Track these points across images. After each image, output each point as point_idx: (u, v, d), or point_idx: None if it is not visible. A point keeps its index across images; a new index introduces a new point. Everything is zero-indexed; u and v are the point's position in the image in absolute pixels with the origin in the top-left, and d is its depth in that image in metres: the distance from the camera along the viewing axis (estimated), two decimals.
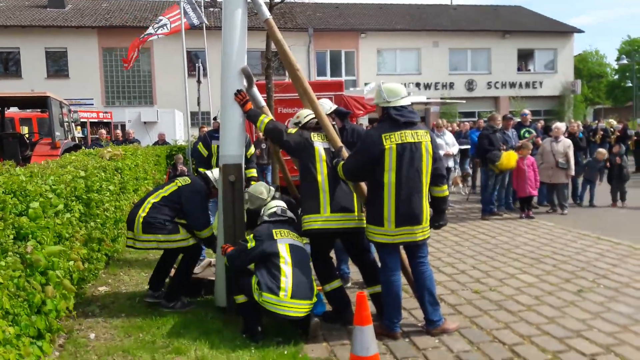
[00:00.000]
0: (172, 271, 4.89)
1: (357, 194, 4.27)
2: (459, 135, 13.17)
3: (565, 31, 30.64)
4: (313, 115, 4.49)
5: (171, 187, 4.76)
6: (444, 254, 6.58)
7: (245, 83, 4.63)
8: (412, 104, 4.21)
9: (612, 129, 17.05)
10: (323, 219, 4.13)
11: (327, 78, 26.32)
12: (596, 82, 47.89)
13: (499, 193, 9.43)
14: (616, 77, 50.16)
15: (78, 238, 4.15)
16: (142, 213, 4.53)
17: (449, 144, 10.45)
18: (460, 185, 12.37)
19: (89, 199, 4.72)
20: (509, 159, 8.78)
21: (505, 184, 9.48)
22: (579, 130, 11.55)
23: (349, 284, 5.30)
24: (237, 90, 4.50)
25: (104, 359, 3.65)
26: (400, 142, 3.85)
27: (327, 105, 4.89)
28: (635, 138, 16.70)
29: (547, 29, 30.32)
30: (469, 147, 12.84)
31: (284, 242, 3.99)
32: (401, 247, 4.10)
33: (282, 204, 4.53)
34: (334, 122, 4.74)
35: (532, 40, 29.88)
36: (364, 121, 16.93)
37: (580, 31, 30.74)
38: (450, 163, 10.78)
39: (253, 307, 3.89)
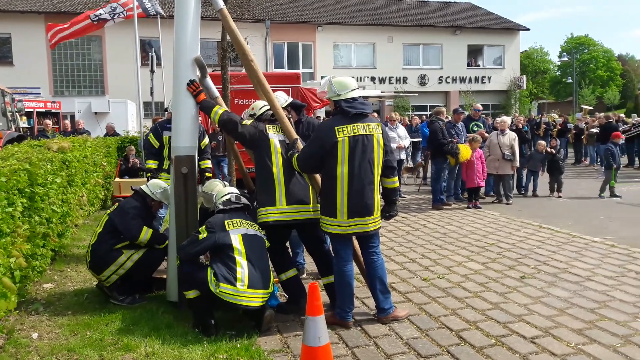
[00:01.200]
0: None
1: (312, 186, 4.32)
2: (410, 129, 13.50)
3: (512, 28, 31.77)
4: (268, 107, 4.48)
5: (103, 220, 4.79)
6: (396, 243, 6.75)
7: (198, 73, 4.56)
8: (367, 97, 4.30)
9: (554, 123, 17.90)
10: (279, 211, 4.16)
11: (285, 70, 26.20)
12: (540, 77, 50.05)
13: (448, 184, 9.75)
14: (558, 73, 52.58)
15: (20, 233, 3.98)
16: (88, 259, 4.68)
17: (402, 137, 10.72)
18: (407, 175, 12.82)
19: (33, 192, 4.54)
20: (465, 151, 9.14)
21: (455, 175, 9.81)
22: (524, 123, 12.04)
23: (304, 275, 5.35)
24: (190, 81, 4.43)
25: None
26: (352, 134, 3.92)
27: (282, 98, 4.89)
28: (575, 131, 17.58)
29: (496, 26, 31.36)
30: (420, 140, 13.22)
31: (236, 232, 3.95)
32: (354, 237, 4.18)
33: (236, 190, 4.50)
34: (289, 115, 4.75)
35: (481, 36, 30.84)
36: (321, 114, 17.00)
37: (526, 29, 32.01)
38: (403, 155, 11.06)
39: (205, 301, 3.86)
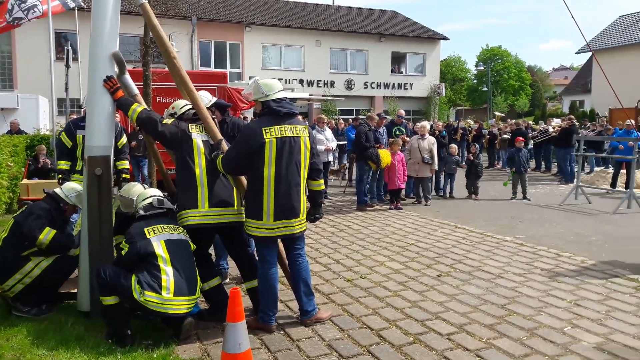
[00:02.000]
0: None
1: (237, 188, 4.24)
2: (336, 132, 13.73)
3: (433, 37, 33.21)
4: (190, 106, 4.36)
5: (9, 224, 4.42)
6: (321, 245, 6.81)
7: (116, 69, 4.34)
8: (296, 99, 4.30)
9: (470, 128, 18.94)
10: (201, 213, 4.05)
11: (211, 69, 25.69)
12: (458, 85, 52.83)
13: (371, 186, 10.02)
14: (475, 81, 55.78)
15: None
16: None
17: (329, 140, 10.88)
18: (332, 177, 13.06)
19: None
20: (386, 157, 9.43)
21: (377, 178, 10.10)
22: (442, 128, 12.63)
23: (227, 280, 5.25)
24: (107, 77, 4.21)
25: None
26: (280, 136, 3.91)
27: (206, 97, 4.76)
28: (489, 137, 18.71)
29: (418, 34, 32.63)
30: (345, 143, 13.51)
31: (158, 239, 3.78)
32: (279, 239, 4.15)
33: (159, 193, 4.32)
34: (213, 116, 4.64)
35: (404, 44, 31.98)
36: (249, 114, 16.81)
37: (446, 38, 33.57)
38: (330, 158, 11.24)
39: (124, 309, 3.67)
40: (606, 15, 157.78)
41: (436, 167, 10.40)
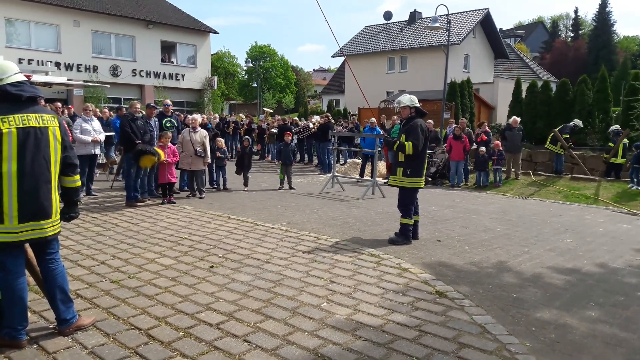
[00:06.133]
0: None
1: None
2: (102, 122, 12.62)
3: (203, 30, 33.07)
4: None
5: None
6: (84, 246, 6.23)
7: None
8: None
9: (241, 122, 19.59)
10: None
11: None
12: (230, 80, 53.97)
13: (142, 180, 9.54)
14: (246, 77, 57.81)
15: None
16: None
17: (97, 131, 9.98)
18: (99, 171, 12.10)
19: None
20: (151, 157, 9.01)
21: (148, 171, 9.67)
22: (209, 121, 12.77)
23: None
24: None
25: None
26: (22, 126, 3.44)
27: None
28: (258, 131, 19.65)
29: (188, 25, 32.09)
30: (112, 134, 12.58)
31: None
32: (27, 244, 3.66)
33: None
34: None
35: (174, 34, 31.13)
36: None
37: (215, 32, 33.75)
38: (98, 150, 10.31)
39: None
40: (354, 24, 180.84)
41: (209, 160, 10.48)
